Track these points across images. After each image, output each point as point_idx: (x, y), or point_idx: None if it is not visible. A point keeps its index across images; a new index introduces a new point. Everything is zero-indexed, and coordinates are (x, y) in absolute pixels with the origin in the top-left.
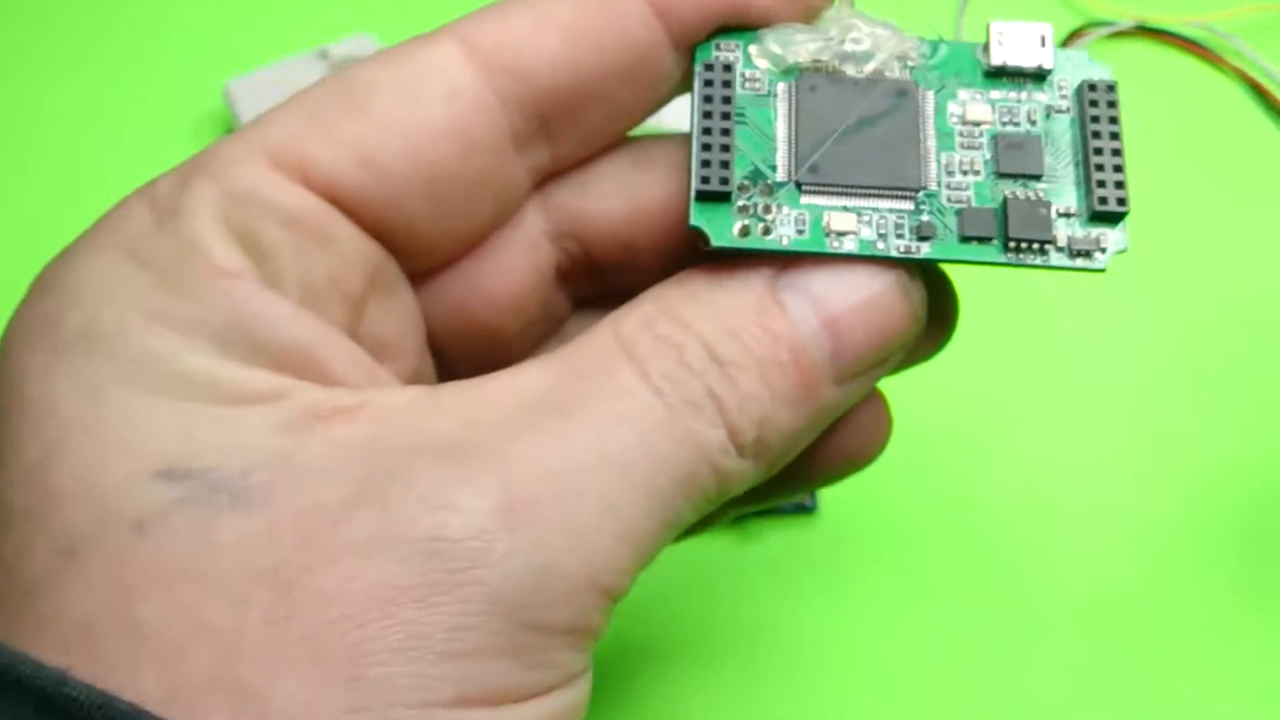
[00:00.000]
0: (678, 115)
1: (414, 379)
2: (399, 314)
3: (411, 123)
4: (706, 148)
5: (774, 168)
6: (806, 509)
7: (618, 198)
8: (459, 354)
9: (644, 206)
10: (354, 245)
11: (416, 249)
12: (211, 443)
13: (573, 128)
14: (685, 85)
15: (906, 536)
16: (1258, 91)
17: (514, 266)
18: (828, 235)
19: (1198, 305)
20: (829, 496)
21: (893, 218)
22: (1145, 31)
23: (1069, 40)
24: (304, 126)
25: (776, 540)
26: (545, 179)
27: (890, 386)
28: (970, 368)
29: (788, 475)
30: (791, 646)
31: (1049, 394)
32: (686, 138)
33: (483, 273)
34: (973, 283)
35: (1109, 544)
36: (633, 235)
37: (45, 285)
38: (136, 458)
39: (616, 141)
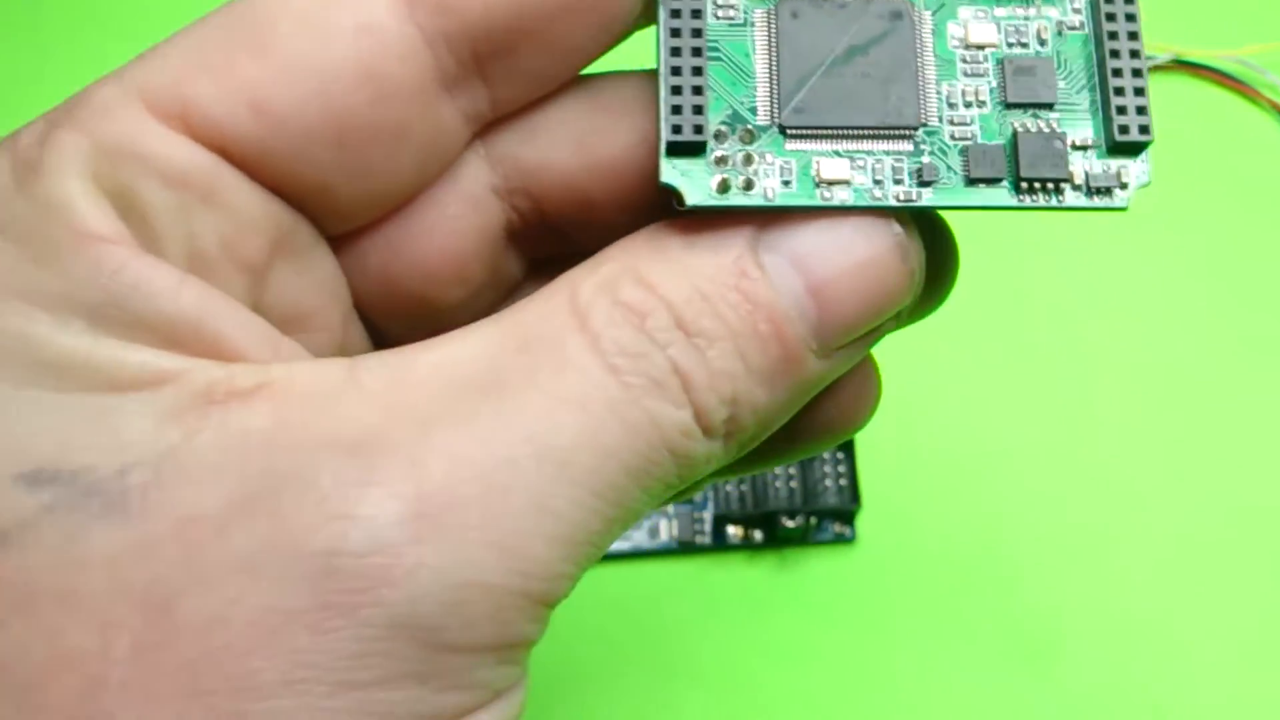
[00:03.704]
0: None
1: (338, 352)
2: (314, 281)
3: (315, 64)
4: (676, 90)
5: (754, 110)
6: (845, 539)
7: (571, 147)
8: (394, 324)
9: (602, 157)
10: (250, 204)
11: (331, 209)
12: (86, 438)
13: (513, 68)
14: (648, 19)
15: (946, 567)
16: None
17: (451, 228)
18: (818, 185)
19: (1235, 333)
20: (868, 526)
21: (890, 161)
22: (1182, 65)
23: None
24: (189, 65)
25: (815, 570)
26: (487, 126)
27: (925, 411)
28: (1018, 385)
29: (764, 446)
30: (830, 677)
31: (1094, 414)
32: (650, 76)
33: (413, 235)
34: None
35: (1157, 575)
36: (590, 189)
37: None
38: (1, 459)
39: (568, 82)
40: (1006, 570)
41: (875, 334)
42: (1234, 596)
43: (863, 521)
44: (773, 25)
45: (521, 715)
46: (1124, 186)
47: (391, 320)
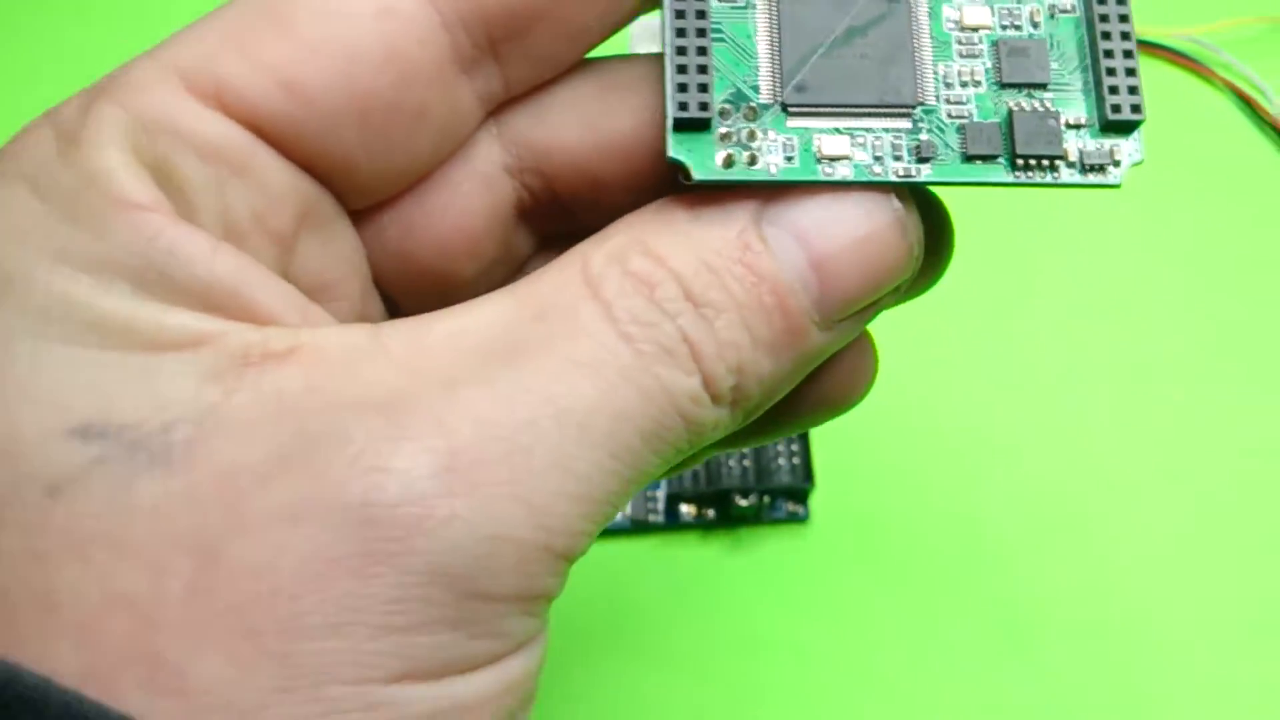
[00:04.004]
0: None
1: (358, 321)
2: (337, 253)
3: (340, 45)
4: (682, 70)
5: (756, 88)
6: (799, 518)
7: (580, 127)
8: (409, 296)
9: (611, 136)
10: (280, 178)
11: (353, 184)
12: (131, 396)
13: (525, 49)
14: (653, 2)
15: (899, 545)
16: (1246, 103)
17: (464, 205)
18: (819, 161)
19: (1192, 312)
20: (821, 505)
21: (889, 138)
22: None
23: None
24: (222, 45)
25: (768, 549)
26: (499, 106)
27: (878, 390)
28: (970, 362)
29: (765, 419)
30: (782, 656)
31: (1053, 391)
32: (657, 59)
33: (428, 211)
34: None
35: (1112, 550)
36: (599, 168)
37: None
38: (50, 415)
39: (577, 64)
40: (960, 547)
41: (875, 307)
42: (1199, 565)
43: (816, 500)
44: (774, 7)
45: (542, 666)
46: (1117, 164)
47: (407, 293)
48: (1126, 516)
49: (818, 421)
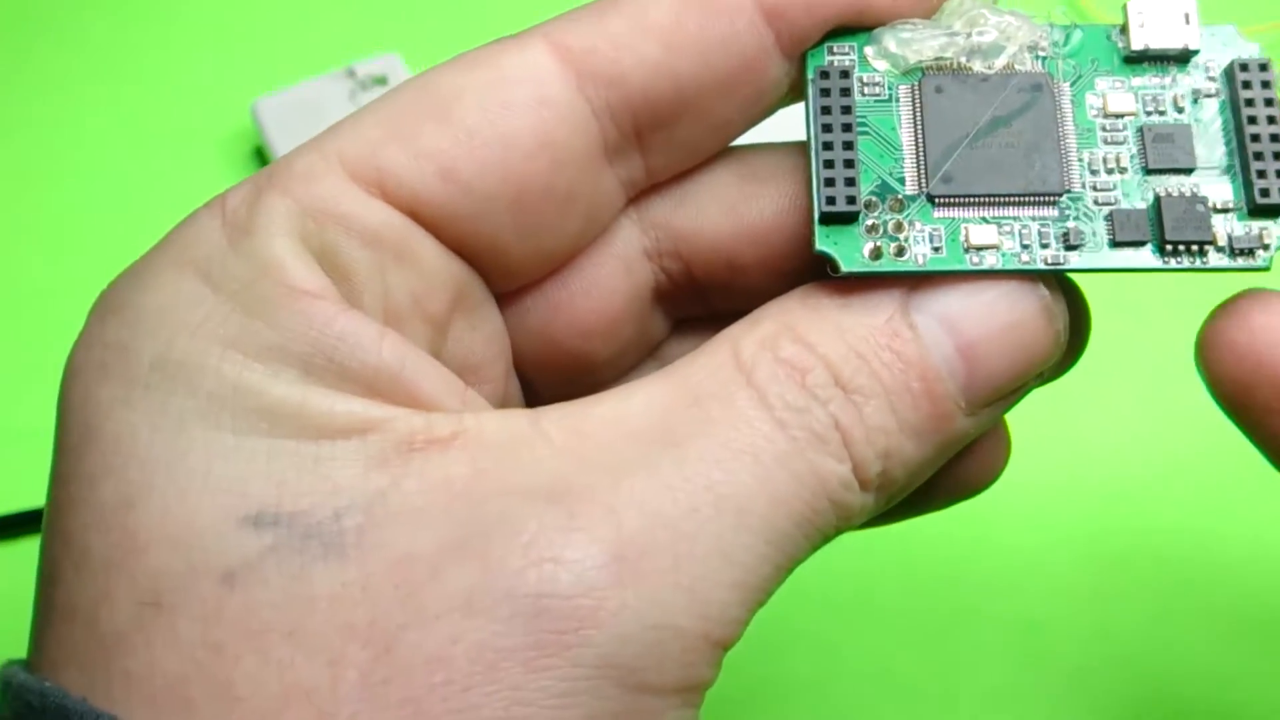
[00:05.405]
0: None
1: (501, 403)
2: (485, 335)
3: (497, 134)
4: (829, 164)
5: (902, 180)
6: None
7: (721, 213)
8: (546, 377)
9: (751, 222)
10: (437, 263)
11: (503, 267)
12: (302, 483)
13: (669, 139)
14: (793, 95)
15: (927, 549)
16: None
17: (606, 288)
18: (967, 250)
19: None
20: None
21: (1036, 226)
22: None
23: None
24: (383, 135)
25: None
26: (640, 193)
27: None
28: None
29: (899, 503)
30: (807, 658)
31: (1082, 409)
32: (800, 149)
33: (572, 294)
34: None
35: (1133, 564)
36: (739, 253)
37: (113, 307)
38: (224, 502)
39: (717, 152)
40: (989, 551)
41: (1019, 393)
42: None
43: None
44: (917, 99)
45: None
46: (1266, 247)
47: (543, 374)
48: (1162, 539)
49: (949, 504)
